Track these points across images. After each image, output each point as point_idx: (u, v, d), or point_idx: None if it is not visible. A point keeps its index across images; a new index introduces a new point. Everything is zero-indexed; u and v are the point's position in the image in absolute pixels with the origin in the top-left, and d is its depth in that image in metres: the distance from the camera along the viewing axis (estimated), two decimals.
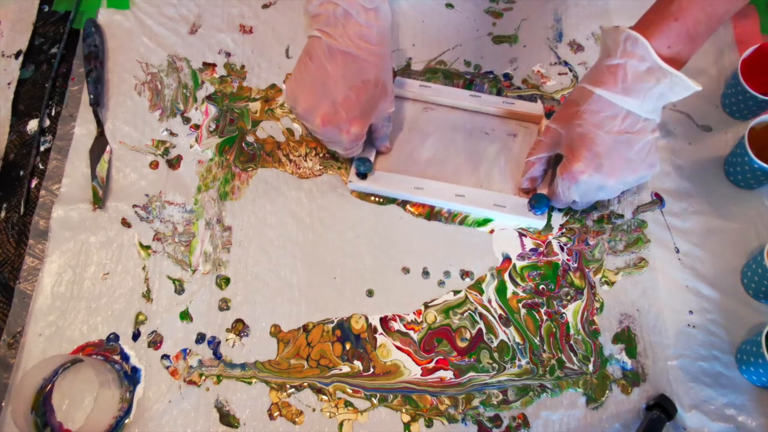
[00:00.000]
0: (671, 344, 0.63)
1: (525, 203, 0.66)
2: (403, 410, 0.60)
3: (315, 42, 0.57)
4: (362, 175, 0.67)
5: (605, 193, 0.60)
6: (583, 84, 0.58)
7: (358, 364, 0.62)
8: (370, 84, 0.58)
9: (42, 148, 0.72)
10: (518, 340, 0.63)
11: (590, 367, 0.62)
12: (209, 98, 0.74)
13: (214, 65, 0.76)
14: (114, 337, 0.62)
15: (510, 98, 0.72)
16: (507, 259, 0.66)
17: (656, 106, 0.56)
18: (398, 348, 0.62)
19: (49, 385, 0.60)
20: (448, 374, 0.61)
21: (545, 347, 0.62)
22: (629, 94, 0.54)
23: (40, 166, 0.71)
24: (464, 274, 0.66)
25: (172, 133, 0.72)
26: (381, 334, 0.63)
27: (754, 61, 0.69)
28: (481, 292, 0.65)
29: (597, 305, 0.64)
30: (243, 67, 0.76)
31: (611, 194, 0.61)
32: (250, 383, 0.61)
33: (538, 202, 0.65)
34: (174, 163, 0.71)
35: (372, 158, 0.67)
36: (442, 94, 0.72)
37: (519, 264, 0.66)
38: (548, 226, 0.68)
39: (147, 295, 0.64)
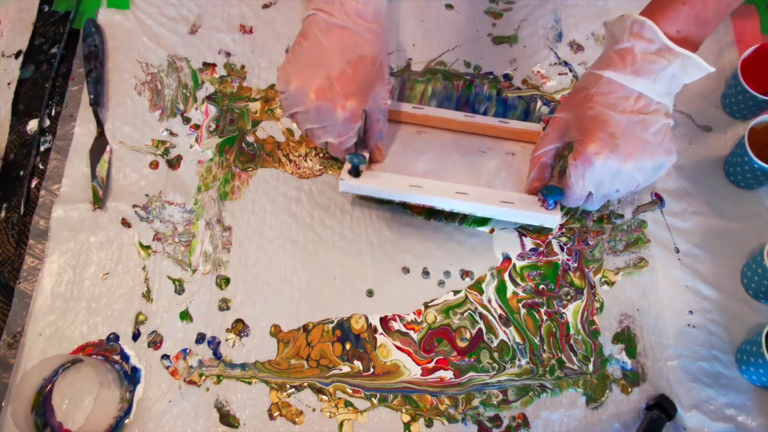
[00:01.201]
0: (671, 344, 0.63)
1: (535, 200, 0.61)
2: (403, 410, 0.60)
3: (311, 21, 0.56)
4: (355, 171, 0.61)
5: (622, 183, 0.56)
6: (590, 70, 0.56)
7: (358, 364, 0.62)
8: (367, 60, 0.56)
9: (42, 148, 0.72)
10: (518, 340, 0.63)
11: (590, 367, 0.62)
12: (209, 98, 0.74)
13: (214, 65, 0.76)
14: (114, 337, 0.62)
15: (505, 119, 0.69)
16: (507, 258, 0.66)
17: (669, 89, 0.54)
18: (398, 348, 0.62)
19: (49, 385, 0.60)
20: (448, 374, 0.61)
21: (545, 347, 0.62)
22: (639, 75, 0.53)
23: (40, 166, 0.71)
24: (464, 274, 0.66)
25: (172, 133, 0.72)
26: (381, 334, 0.63)
27: (754, 61, 0.69)
28: (481, 291, 0.65)
29: (597, 305, 0.64)
30: (243, 67, 0.76)
31: (628, 184, 0.57)
32: (250, 383, 0.61)
33: (551, 191, 0.59)
34: (174, 163, 0.71)
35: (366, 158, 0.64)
36: (435, 114, 0.69)
37: (519, 264, 0.66)
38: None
39: (147, 295, 0.64)
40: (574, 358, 0.62)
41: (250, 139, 0.72)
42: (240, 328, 0.63)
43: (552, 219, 0.60)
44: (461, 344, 0.62)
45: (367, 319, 0.64)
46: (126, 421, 0.59)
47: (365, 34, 0.56)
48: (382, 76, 0.59)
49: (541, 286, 0.65)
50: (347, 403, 0.60)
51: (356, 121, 0.58)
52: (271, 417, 0.59)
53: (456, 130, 0.69)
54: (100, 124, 0.72)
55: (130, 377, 0.61)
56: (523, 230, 0.68)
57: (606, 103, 0.54)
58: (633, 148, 0.53)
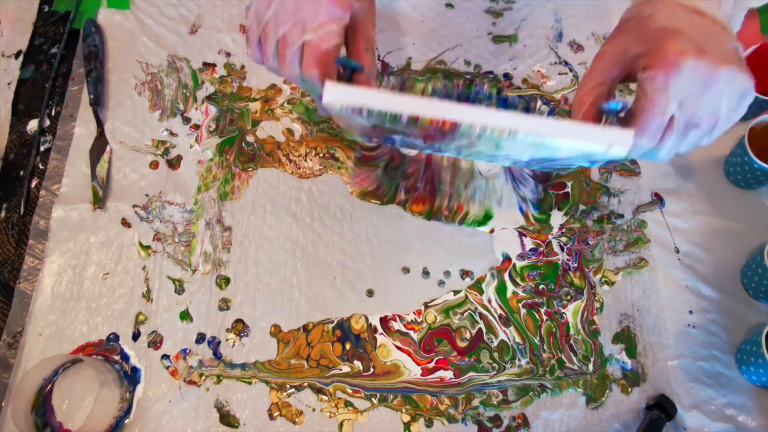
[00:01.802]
0: (671, 344, 0.63)
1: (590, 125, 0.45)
2: (403, 410, 0.60)
3: None
4: (347, 75, 0.48)
5: (706, 108, 0.43)
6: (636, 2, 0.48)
7: (358, 364, 0.62)
8: None
9: (42, 148, 0.72)
10: (518, 340, 0.63)
11: (590, 367, 0.62)
12: (209, 98, 0.74)
13: (214, 65, 0.76)
14: (114, 337, 0.62)
15: None
16: (507, 258, 0.66)
17: (733, 13, 0.46)
18: (398, 348, 0.62)
19: (49, 385, 0.60)
20: (448, 374, 0.61)
21: (545, 347, 0.62)
22: None
23: (40, 166, 0.71)
24: (464, 273, 0.66)
25: (172, 133, 0.72)
26: (381, 334, 0.63)
27: (754, 61, 0.69)
28: (481, 291, 0.65)
29: (597, 305, 0.64)
30: (243, 67, 0.76)
31: (711, 113, 0.43)
32: (250, 383, 0.61)
33: (611, 103, 0.45)
34: (174, 163, 0.71)
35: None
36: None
37: (519, 264, 0.66)
38: (548, 226, 0.68)
39: (147, 295, 0.64)
40: (574, 358, 0.62)
41: (250, 139, 0.72)
42: (240, 328, 0.63)
43: (623, 136, 0.43)
44: (461, 344, 0.62)
45: (367, 319, 0.64)
46: (126, 421, 0.59)
47: None
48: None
49: (541, 286, 0.65)
50: (347, 403, 0.60)
51: (344, 6, 0.46)
52: (271, 417, 0.59)
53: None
54: (100, 124, 0.72)
55: (130, 377, 0.61)
56: (523, 230, 0.68)
57: (673, 15, 0.44)
58: (723, 52, 0.42)
